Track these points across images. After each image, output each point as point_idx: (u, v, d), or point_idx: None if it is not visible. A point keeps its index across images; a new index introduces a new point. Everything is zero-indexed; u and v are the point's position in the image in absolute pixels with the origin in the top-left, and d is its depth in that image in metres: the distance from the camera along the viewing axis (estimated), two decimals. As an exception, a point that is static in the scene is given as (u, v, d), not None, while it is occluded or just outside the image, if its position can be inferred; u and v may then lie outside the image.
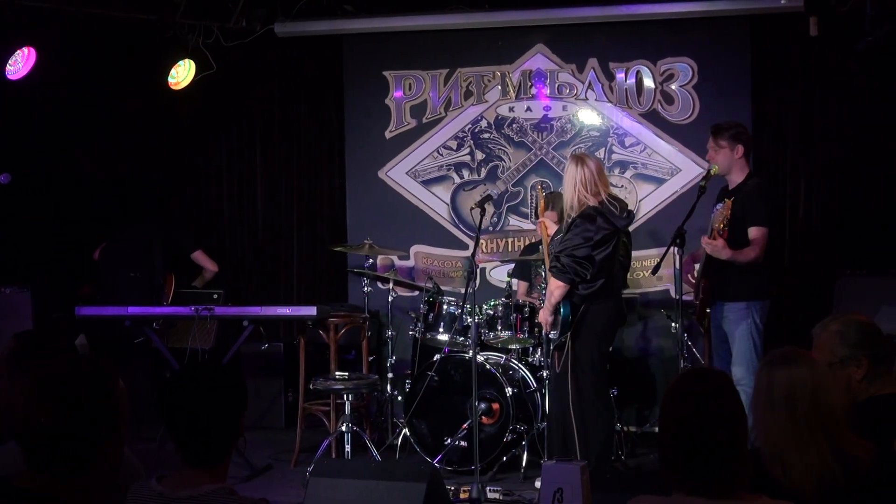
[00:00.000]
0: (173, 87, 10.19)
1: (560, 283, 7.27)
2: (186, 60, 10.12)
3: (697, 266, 7.75)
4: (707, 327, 7.89)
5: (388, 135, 10.66)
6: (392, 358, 9.19)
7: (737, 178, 7.78)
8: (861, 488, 3.59)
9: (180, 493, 3.37)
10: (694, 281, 7.79)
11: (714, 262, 7.53)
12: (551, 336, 7.51)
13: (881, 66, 9.74)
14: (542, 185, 9.10)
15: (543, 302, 7.67)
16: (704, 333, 7.97)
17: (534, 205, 10.20)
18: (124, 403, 3.28)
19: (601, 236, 7.22)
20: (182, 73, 10.17)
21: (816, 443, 3.62)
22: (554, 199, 8.41)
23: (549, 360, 7.93)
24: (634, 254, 9.18)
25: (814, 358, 3.82)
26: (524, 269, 9.34)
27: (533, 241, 9.68)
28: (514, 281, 9.31)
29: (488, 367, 8.34)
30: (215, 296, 9.80)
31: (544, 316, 7.51)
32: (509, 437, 8.22)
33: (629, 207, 7.67)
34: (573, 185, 7.34)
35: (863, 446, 3.69)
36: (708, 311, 7.74)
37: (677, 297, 7.74)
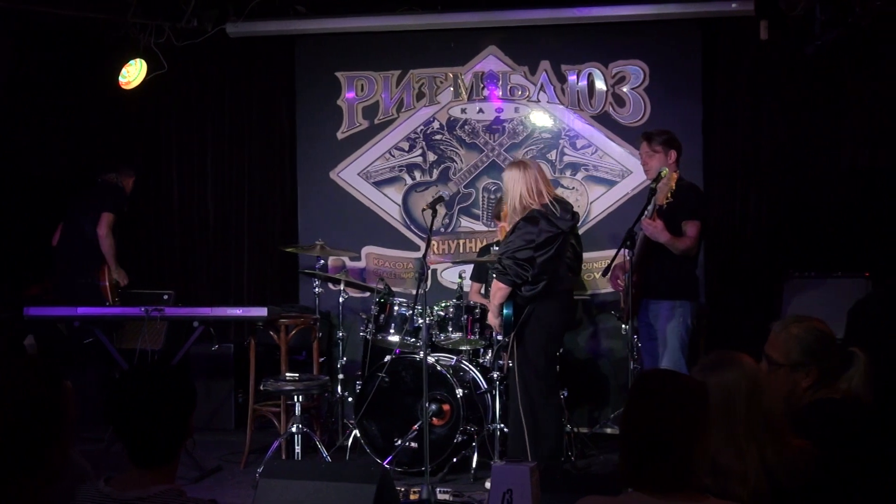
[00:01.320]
0: (124, 87, 10.15)
1: (502, 285, 7.30)
2: (138, 60, 10.08)
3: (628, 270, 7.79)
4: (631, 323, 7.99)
5: (339, 136, 10.65)
6: (343, 359, 9.16)
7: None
8: (800, 491, 3.61)
9: (128, 495, 3.35)
10: (622, 284, 7.82)
11: (649, 258, 7.62)
12: (500, 338, 7.53)
13: (830, 70, 9.84)
14: (496, 191, 9.17)
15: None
16: (633, 330, 8.02)
17: (485, 206, 10.24)
18: (71, 404, 3.26)
19: (543, 238, 7.25)
20: (133, 73, 10.12)
21: (754, 447, 3.64)
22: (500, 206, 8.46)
23: (499, 362, 7.97)
24: (586, 255, 9.22)
25: (745, 358, 3.83)
26: (481, 270, 9.35)
27: (486, 242, 9.70)
28: (467, 280, 9.33)
29: (439, 368, 8.34)
30: (165, 296, 9.76)
31: (492, 318, 7.54)
32: (459, 439, 8.22)
33: (574, 209, 7.69)
34: (517, 190, 7.37)
35: (802, 448, 3.72)
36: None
37: (623, 299, 7.79)
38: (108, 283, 9.88)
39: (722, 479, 3.62)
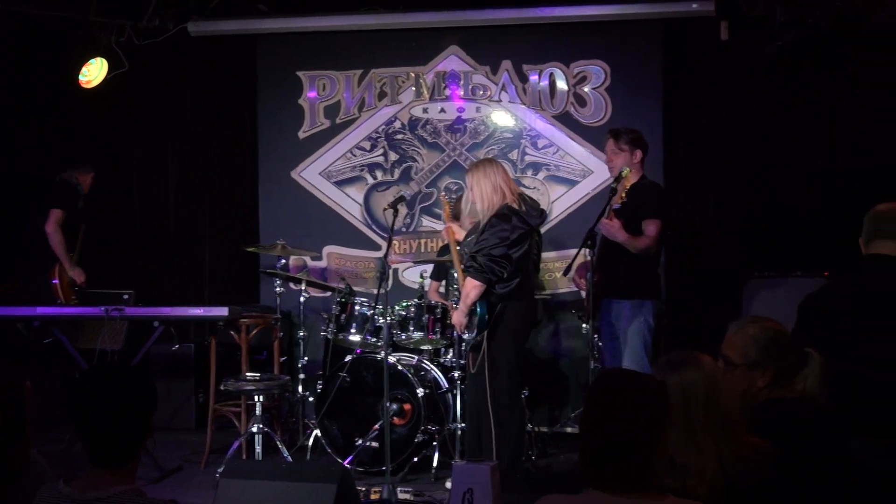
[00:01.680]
0: (85, 86, 10.10)
1: (477, 283, 7.28)
2: (98, 59, 10.03)
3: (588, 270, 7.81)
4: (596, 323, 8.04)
5: (301, 135, 10.64)
6: (304, 359, 9.14)
7: (631, 179, 7.89)
8: (756, 489, 3.63)
9: (88, 495, 3.34)
10: (584, 283, 7.84)
11: (607, 257, 7.65)
12: (466, 336, 7.52)
13: (790, 70, 9.90)
14: (444, 193, 9.16)
15: (457, 305, 7.68)
16: (594, 330, 8.05)
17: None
18: (30, 405, 3.25)
19: (517, 235, 7.25)
20: (94, 72, 10.07)
21: (712, 446, 3.66)
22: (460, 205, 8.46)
23: (461, 361, 7.97)
24: (546, 255, 9.25)
25: (704, 358, 3.85)
26: (440, 268, 9.35)
27: (445, 242, 9.70)
28: (428, 280, 9.33)
29: (400, 367, 8.34)
30: (125, 296, 9.72)
31: (458, 318, 7.52)
32: (421, 438, 8.23)
33: (541, 207, 7.72)
34: (482, 188, 7.34)
35: (759, 447, 3.74)
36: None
37: (585, 298, 7.82)
38: (60, 281, 9.79)
39: (680, 478, 3.64)
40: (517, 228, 7.25)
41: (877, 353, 4.64)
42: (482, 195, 7.37)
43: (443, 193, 9.12)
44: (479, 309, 7.34)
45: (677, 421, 3.68)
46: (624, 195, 7.41)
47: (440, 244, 9.97)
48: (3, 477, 3.16)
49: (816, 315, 5.10)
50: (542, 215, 7.64)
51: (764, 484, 3.65)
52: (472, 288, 7.31)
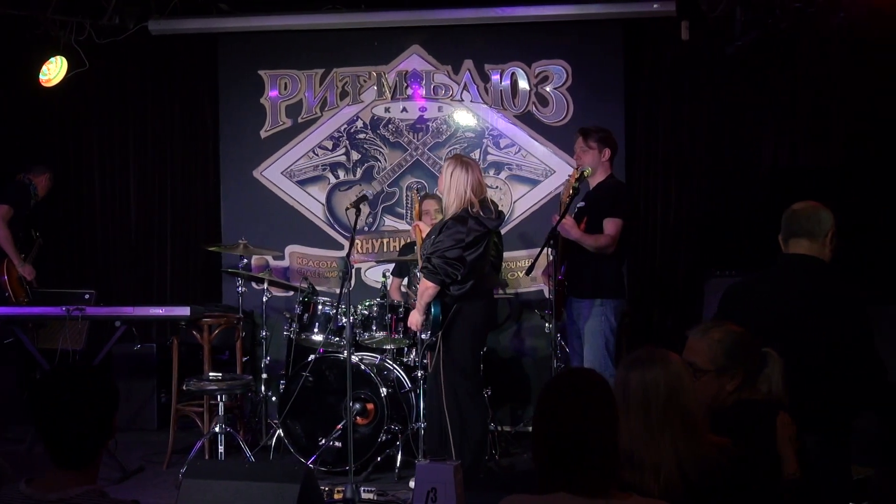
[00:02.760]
0: (45, 85, 10.03)
1: (431, 284, 7.28)
2: (58, 57, 9.97)
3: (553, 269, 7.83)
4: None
5: (263, 134, 10.61)
6: (266, 358, 9.13)
7: (598, 178, 7.94)
8: (714, 489, 3.66)
9: (50, 496, 3.32)
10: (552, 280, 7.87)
11: (570, 256, 7.69)
12: (423, 337, 7.54)
13: (750, 70, 9.95)
14: (417, 189, 9.16)
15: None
16: (557, 329, 8.08)
17: (408, 205, 10.25)
18: None
19: (472, 238, 7.24)
20: (54, 71, 10.00)
21: (668, 444, 3.69)
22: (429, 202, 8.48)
23: (424, 361, 7.98)
24: (509, 254, 9.29)
25: (671, 357, 3.87)
26: (402, 266, 9.36)
27: (409, 240, 9.70)
28: (391, 278, 9.32)
29: (363, 367, 8.34)
30: (86, 296, 9.66)
31: (415, 317, 7.53)
32: (384, 438, 8.23)
33: (500, 208, 7.73)
34: (462, 187, 7.33)
35: (719, 447, 3.77)
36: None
37: (551, 297, 7.84)
38: (9, 277, 9.71)
39: (637, 472, 3.67)
40: (473, 231, 7.25)
41: (792, 351, 4.65)
42: (450, 196, 7.36)
43: (415, 191, 9.12)
44: (433, 310, 7.35)
45: (637, 417, 3.71)
46: (570, 191, 7.48)
47: (403, 243, 9.98)
48: None
49: (735, 307, 5.15)
50: (500, 217, 7.63)
51: (722, 482, 3.68)
52: (426, 289, 7.32)
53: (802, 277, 5.14)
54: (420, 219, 8.21)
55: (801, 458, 4.15)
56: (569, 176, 7.81)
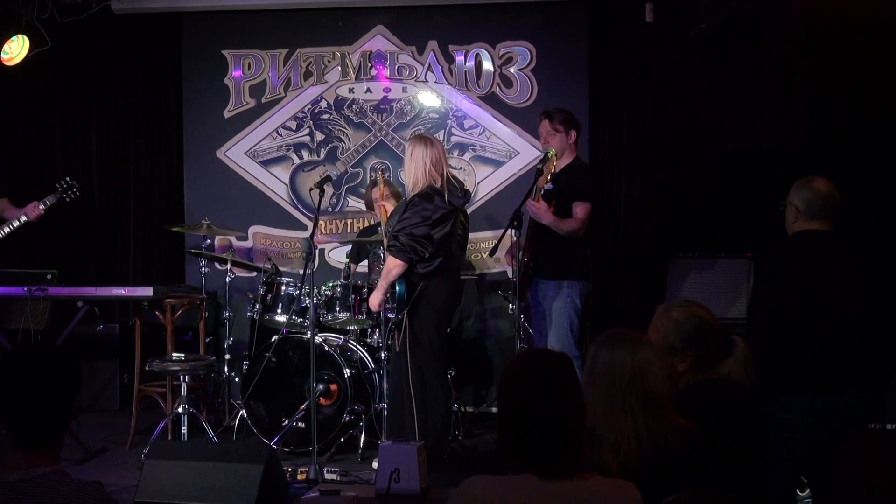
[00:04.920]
0: (6, 63, 9.95)
1: (398, 262, 7.30)
2: (20, 36, 9.88)
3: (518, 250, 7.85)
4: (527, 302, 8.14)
5: (226, 114, 10.58)
6: (229, 339, 9.13)
7: (565, 161, 7.97)
8: (671, 469, 3.69)
9: (11, 476, 3.31)
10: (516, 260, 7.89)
11: (536, 238, 7.72)
12: (389, 316, 7.55)
13: (714, 53, 9.99)
14: (382, 170, 9.16)
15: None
16: (520, 310, 8.11)
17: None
18: None
19: (439, 215, 7.27)
20: (15, 49, 9.92)
21: (629, 423, 3.72)
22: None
23: (387, 342, 7.98)
24: (473, 236, 9.29)
25: (644, 341, 3.90)
26: (360, 251, 9.35)
27: (372, 223, 9.70)
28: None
29: (326, 348, 8.35)
30: (49, 276, 9.60)
31: (375, 297, 7.55)
32: (347, 418, 8.24)
33: (466, 187, 7.75)
34: (422, 165, 7.36)
35: (682, 429, 3.79)
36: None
37: (514, 278, 7.87)
38: None
39: (598, 448, 3.71)
40: (439, 208, 7.28)
41: (842, 318, 5.14)
42: (411, 174, 7.39)
43: (380, 171, 9.14)
44: (398, 288, 7.37)
45: (601, 394, 3.74)
46: (549, 178, 7.50)
47: (365, 224, 9.98)
48: None
49: (786, 283, 5.31)
50: (466, 196, 7.67)
51: (679, 463, 3.71)
52: (393, 266, 7.34)
53: (844, 250, 5.38)
54: (384, 199, 8.21)
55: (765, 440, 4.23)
56: (543, 164, 7.80)
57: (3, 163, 9.89)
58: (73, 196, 9.50)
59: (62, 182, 9.61)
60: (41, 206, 9.37)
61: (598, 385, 3.79)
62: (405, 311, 7.39)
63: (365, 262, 9.26)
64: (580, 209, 7.78)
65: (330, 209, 10.37)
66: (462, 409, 9.08)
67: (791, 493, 5.36)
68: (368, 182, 9.74)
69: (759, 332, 5.18)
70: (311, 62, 10.49)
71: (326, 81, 10.49)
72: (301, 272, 8.06)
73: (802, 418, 5.13)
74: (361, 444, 8.23)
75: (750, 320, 5.47)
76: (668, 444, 3.73)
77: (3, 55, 9.89)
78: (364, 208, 10.18)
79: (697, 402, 4.04)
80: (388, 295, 7.49)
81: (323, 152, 10.49)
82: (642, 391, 3.76)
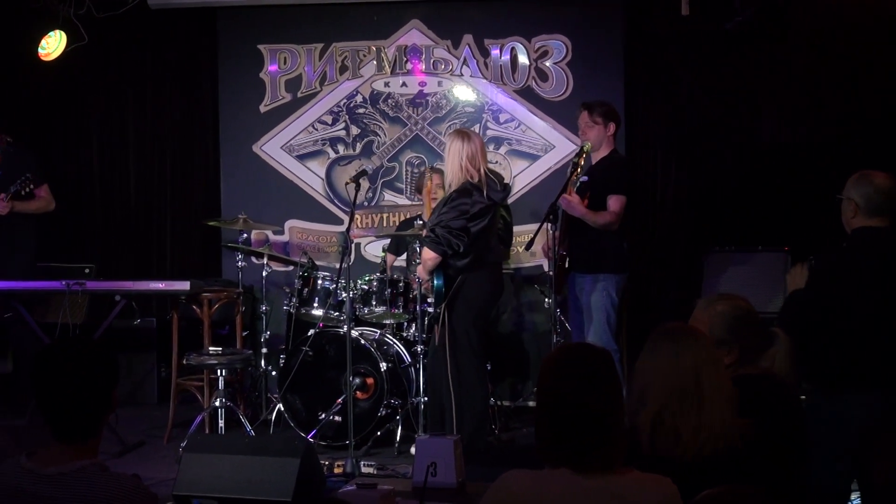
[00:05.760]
0: (43, 59, 9.99)
1: (433, 255, 7.33)
2: (57, 31, 9.92)
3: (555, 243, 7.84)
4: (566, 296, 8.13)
5: (262, 109, 10.60)
6: (266, 333, 9.14)
7: (602, 153, 7.96)
8: (723, 467, 3.69)
9: (50, 470, 3.34)
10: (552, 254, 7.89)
11: (572, 232, 7.71)
12: (428, 309, 7.57)
13: (750, 45, 9.93)
14: (418, 164, 9.19)
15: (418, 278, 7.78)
16: (556, 304, 8.11)
17: (408, 180, 10.25)
18: None
19: (477, 209, 7.28)
20: (53, 45, 9.96)
21: (690, 418, 3.72)
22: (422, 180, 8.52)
23: (423, 335, 8.00)
24: (508, 229, 9.27)
25: (703, 335, 3.91)
26: (399, 243, 9.35)
27: (409, 216, 9.70)
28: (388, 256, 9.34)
29: (363, 342, 8.36)
30: (87, 270, 9.65)
31: (421, 273, 7.67)
32: (383, 412, 8.25)
33: (506, 181, 7.76)
34: (458, 161, 7.38)
35: (739, 426, 3.79)
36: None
37: (550, 272, 7.86)
38: None
39: (664, 440, 3.70)
40: (477, 203, 7.29)
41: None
42: (453, 166, 7.41)
43: (428, 168, 9.17)
44: (436, 281, 7.38)
45: (660, 387, 3.74)
46: (579, 171, 7.49)
47: (402, 218, 9.98)
48: None
49: (836, 279, 5.27)
50: (506, 190, 7.68)
51: (733, 458, 3.70)
52: (428, 258, 7.37)
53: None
54: (432, 192, 8.25)
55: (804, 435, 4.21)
56: (577, 157, 7.81)
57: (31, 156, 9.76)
58: (27, 190, 9.13)
59: (25, 175, 9.19)
60: (5, 200, 9.21)
61: (657, 378, 3.79)
62: (443, 305, 7.40)
63: (404, 256, 9.26)
64: (614, 202, 7.76)
65: (366, 203, 10.38)
66: (499, 403, 9.08)
67: (847, 492, 5.31)
68: (423, 170, 9.70)
69: (813, 328, 5.14)
70: (346, 56, 10.50)
71: (362, 76, 10.49)
72: (337, 266, 8.06)
73: (873, 416, 5.07)
74: (398, 438, 8.23)
75: (794, 315, 5.38)
76: (725, 440, 3.72)
77: (40, 50, 9.94)
78: (398, 203, 10.20)
79: (743, 397, 4.02)
80: (427, 289, 7.52)
81: (359, 146, 10.49)
82: (704, 386, 3.75)
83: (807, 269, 5.36)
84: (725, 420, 3.76)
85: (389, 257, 9.36)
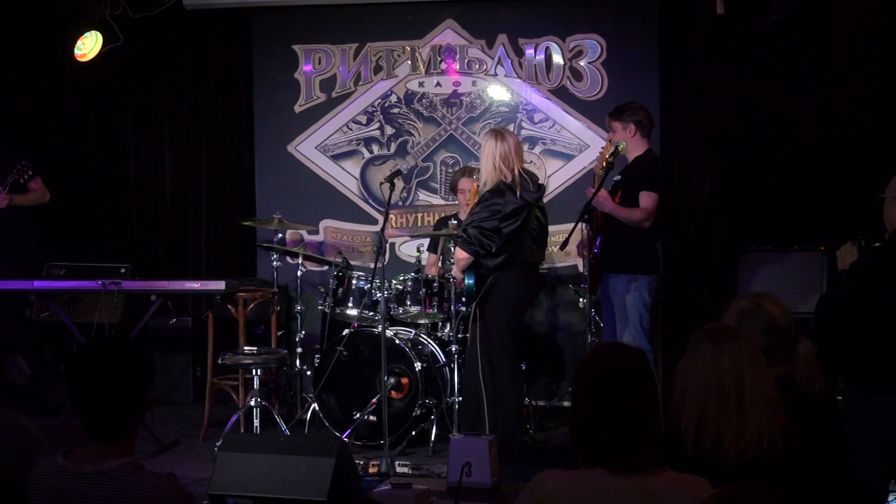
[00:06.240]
0: (79, 59, 10.05)
1: (464, 255, 7.34)
2: (93, 32, 9.98)
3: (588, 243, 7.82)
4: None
5: (297, 109, 10.62)
6: (301, 332, 9.15)
7: (636, 152, 7.95)
8: (763, 470, 3.67)
9: (86, 468, 3.35)
10: (586, 253, 7.88)
11: (605, 231, 7.70)
12: (461, 308, 7.57)
13: (786, 44, 9.88)
14: (452, 164, 9.19)
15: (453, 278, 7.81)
16: (591, 304, 8.10)
17: (442, 180, 10.24)
18: None
19: (510, 209, 7.28)
20: (88, 45, 10.01)
21: (734, 419, 3.70)
22: (457, 176, 8.54)
23: (458, 335, 8.01)
24: (544, 229, 9.26)
25: (743, 335, 3.88)
26: (437, 242, 9.35)
27: (444, 215, 9.71)
28: (425, 254, 9.32)
29: (397, 341, 8.36)
30: (122, 270, 9.69)
31: (456, 272, 7.74)
32: (418, 412, 8.25)
33: (540, 181, 7.75)
34: (491, 161, 7.41)
35: (784, 429, 3.77)
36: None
37: (585, 272, 7.85)
38: None
39: (707, 444, 3.69)
40: (510, 203, 7.30)
41: None
42: (486, 167, 7.45)
43: (464, 171, 9.19)
44: (467, 280, 7.39)
45: (704, 389, 3.72)
46: (604, 164, 7.49)
47: (437, 218, 9.98)
48: None
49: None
50: (540, 190, 7.67)
51: (774, 461, 3.69)
52: (461, 258, 7.41)
53: None
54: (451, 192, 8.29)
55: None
56: (601, 149, 7.82)
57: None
58: (25, 178, 9.03)
59: (19, 163, 9.05)
60: (4, 192, 9.06)
61: (699, 380, 3.77)
62: (475, 304, 7.40)
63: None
64: (646, 199, 7.74)
65: (400, 203, 10.38)
66: (533, 403, 9.07)
67: (886, 492, 5.27)
68: (458, 169, 9.70)
69: (848, 326, 5.10)
70: (380, 56, 10.51)
71: (396, 76, 10.50)
72: (372, 266, 8.07)
73: None
74: (433, 438, 8.23)
75: (829, 314, 5.32)
76: (767, 442, 3.70)
77: (76, 51, 9.99)
78: (433, 202, 10.21)
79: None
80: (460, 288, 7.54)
81: (393, 146, 10.50)
82: (745, 387, 3.73)
83: (856, 248, 5.29)
84: (767, 421, 3.74)
85: (431, 257, 9.36)
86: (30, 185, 9.18)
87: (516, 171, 7.40)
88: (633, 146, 7.95)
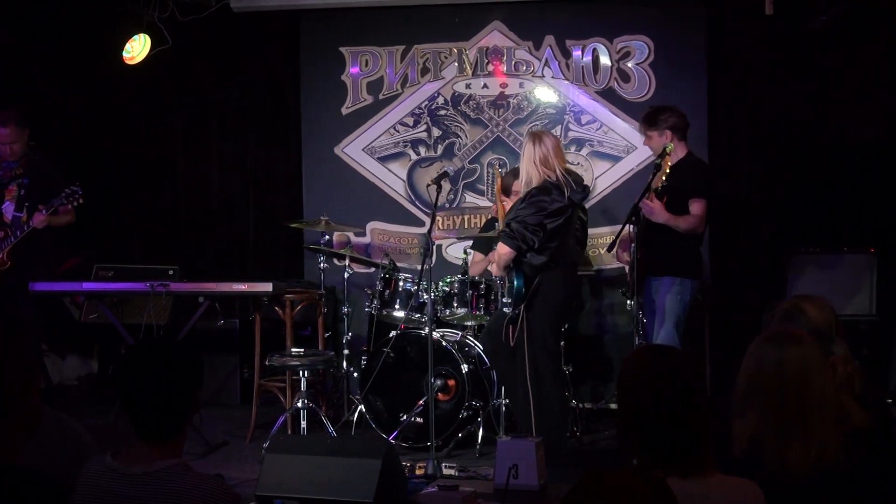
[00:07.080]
0: (128, 62, 10.10)
1: (507, 249, 7.35)
2: (141, 35, 10.03)
3: (632, 245, 7.78)
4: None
5: (344, 111, 10.63)
6: (348, 334, 9.15)
7: (676, 156, 7.91)
8: (821, 483, 3.63)
9: (134, 469, 3.37)
10: (629, 258, 7.84)
11: (648, 235, 7.67)
12: (506, 311, 7.55)
13: (834, 45, 9.81)
14: (499, 165, 9.15)
15: (500, 281, 7.78)
16: (638, 306, 8.08)
17: (489, 182, 10.24)
18: (32, 363, 3.22)
19: (555, 207, 7.29)
20: (137, 48, 10.06)
21: (795, 426, 3.66)
22: (509, 179, 8.50)
23: (506, 336, 8.00)
24: (591, 231, 9.22)
25: (806, 339, 3.84)
26: (485, 243, 9.35)
27: (491, 216, 9.70)
28: (471, 254, 9.30)
29: (444, 343, 8.36)
30: (170, 271, 9.73)
31: (494, 268, 7.74)
32: (465, 414, 8.25)
33: (585, 183, 7.74)
34: (531, 163, 7.42)
35: (863, 416, 3.74)
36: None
37: (629, 274, 7.83)
38: None
39: (785, 455, 3.66)
40: (556, 201, 7.31)
41: None
42: (526, 168, 7.45)
43: (497, 167, 9.16)
44: (515, 282, 7.38)
45: (785, 398, 3.68)
46: (664, 178, 7.44)
47: (484, 220, 9.97)
48: (20, 425, 3.11)
49: None
50: (585, 191, 7.66)
51: (830, 474, 3.65)
52: (503, 253, 7.41)
53: None
54: (501, 195, 8.26)
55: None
56: (659, 161, 7.74)
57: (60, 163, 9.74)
58: (77, 203, 9.05)
59: (69, 188, 9.06)
60: (44, 212, 9.04)
61: (759, 386, 3.73)
62: (521, 306, 7.39)
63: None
64: (696, 206, 7.72)
65: (447, 205, 10.38)
66: (581, 405, 9.05)
67: None
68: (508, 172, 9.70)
69: None
70: (427, 58, 10.51)
71: (443, 77, 10.49)
72: (419, 268, 8.08)
73: None
74: (479, 440, 8.22)
75: None
76: (828, 454, 3.66)
77: (125, 54, 10.05)
78: (480, 204, 10.21)
79: None
80: (506, 289, 7.51)
81: (440, 148, 10.50)
82: (812, 394, 3.69)
83: None
84: (831, 432, 3.69)
85: (476, 255, 9.34)
86: (61, 209, 9.16)
87: (559, 172, 7.40)
88: (677, 149, 7.92)
